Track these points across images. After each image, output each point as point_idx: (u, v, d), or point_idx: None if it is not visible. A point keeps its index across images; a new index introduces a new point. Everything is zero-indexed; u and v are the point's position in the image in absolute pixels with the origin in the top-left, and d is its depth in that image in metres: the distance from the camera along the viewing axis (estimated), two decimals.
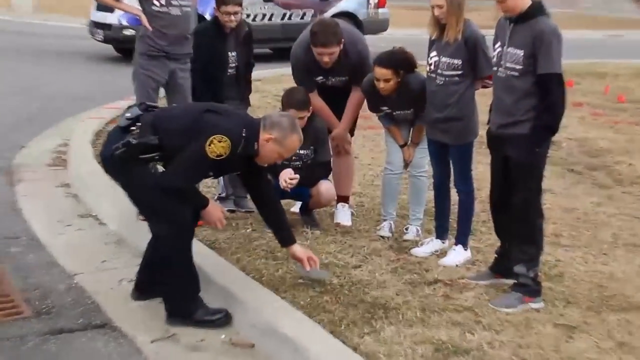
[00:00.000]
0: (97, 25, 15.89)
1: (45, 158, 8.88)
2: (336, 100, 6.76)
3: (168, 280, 5.08)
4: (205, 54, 6.86)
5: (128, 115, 5.02)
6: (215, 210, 5.16)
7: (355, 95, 6.75)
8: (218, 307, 5.11)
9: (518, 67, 5.16)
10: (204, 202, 5.12)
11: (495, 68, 5.38)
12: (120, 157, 4.92)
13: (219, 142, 4.80)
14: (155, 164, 5.02)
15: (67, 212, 7.19)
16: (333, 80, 6.73)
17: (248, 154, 5.00)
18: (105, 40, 15.79)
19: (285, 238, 5.40)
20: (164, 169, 5.03)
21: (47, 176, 8.24)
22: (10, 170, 8.41)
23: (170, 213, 4.95)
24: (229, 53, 6.88)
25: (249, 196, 6.65)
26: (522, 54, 5.13)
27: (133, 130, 4.94)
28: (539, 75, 5.11)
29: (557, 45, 5.10)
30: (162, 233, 5.01)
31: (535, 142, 5.19)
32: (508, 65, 5.22)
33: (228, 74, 6.89)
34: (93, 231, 6.75)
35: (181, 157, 4.87)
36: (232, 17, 6.75)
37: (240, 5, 6.82)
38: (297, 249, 5.40)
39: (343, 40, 6.49)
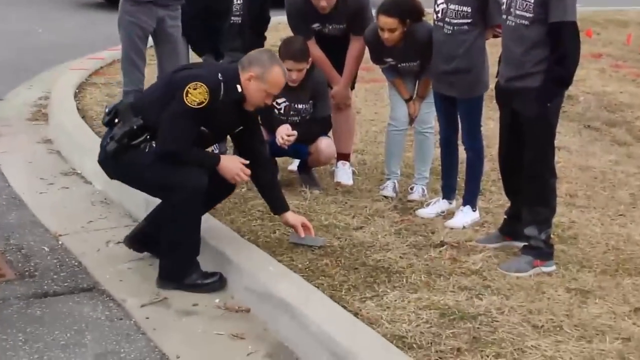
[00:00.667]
0: None
1: (25, 112, 8.93)
2: (335, 53, 6.79)
3: (170, 240, 5.15)
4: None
5: (107, 110, 5.18)
6: (231, 163, 5.20)
7: (355, 46, 6.79)
8: (212, 271, 5.21)
9: (528, 14, 5.15)
10: (213, 160, 5.18)
11: (504, 16, 5.35)
12: (113, 152, 5.03)
13: (195, 89, 4.90)
14: (147, 145, 5.08)
15: (49, 169, 7.25)
16: (330, 28, 6.76)
17: (233, 98, 5.06)
18: None
19: (278, 205, 5.48)
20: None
21: (27, 131, 8.31)
22: None
23: (178, 181, 5.00)
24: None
25: None
26: (532, 1, 5.11)
27: (116, 122, 5.09)
28: (551, 24, 5.10)
29: None
30: (176, 200, 5.05)
31: (547, 96, 5.21)
32: (518, 12, 5.20)
33: (231, 21, 6.87)
34: (78, 190, 6.82)
35: (164, 120, 4.98)
36: None
37: None
38: (291, 216, 5.47)
39: None
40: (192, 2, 6.96)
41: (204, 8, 6.85)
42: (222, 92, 4.98)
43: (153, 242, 5.34)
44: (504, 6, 5.33)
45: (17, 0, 16.31)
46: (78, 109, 8.52)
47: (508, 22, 5.30)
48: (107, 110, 5.20)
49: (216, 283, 5.16)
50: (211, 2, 6.84)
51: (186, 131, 5.02)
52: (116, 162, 5.11)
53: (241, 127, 5.34)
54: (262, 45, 7.20)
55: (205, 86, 4.91)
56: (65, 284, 5.16)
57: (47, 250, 5.64)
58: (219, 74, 5.04)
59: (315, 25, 6.73)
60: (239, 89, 5.06)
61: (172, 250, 5.14)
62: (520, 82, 5.28)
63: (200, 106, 4.91)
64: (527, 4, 5.15)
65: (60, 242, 5.78)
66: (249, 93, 5.09)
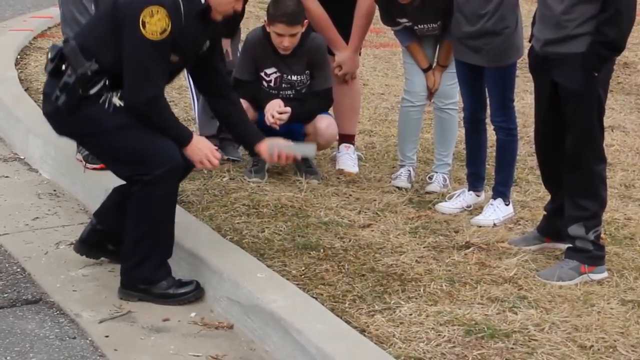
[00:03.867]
0: None
1: None
2: (338, 12, 6.80)
3: (136, 237, 5.17)
4: None
5: (50, 56, 5.12)
6: (203, 143, 5.24)
7: (364, 3, 6.82)
8: (186, 279, 5.23)
9: None
10: (185, 134, 5.19)
11: None
12: (66, 105, 5.01)
13: (152, 16, 4.90)
14: (108, 97, 5.06)
15: None
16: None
17: (197, 9, 5.07)
18: None
19: (251, 135, 5.51)
20: (120, 102, 5.09)
21: None
22: None
23: (152, 154, 5.04)
24: None
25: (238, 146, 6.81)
26: None
27: (64, 69, 5.05)
28: None
29: None
30: (147, 180, 5.07)
31: (594, 64, 5.20)
32: None
33: None
34: (21, 179, 6.85)
35: (127, 63, 4.97)
36: None
37: None
38: (264, 146, 5.46)
39: None
40: None
41: None
42: (182, 9, 4.99)
43: (111, 243, 5.36)
44: None
45: None
46: (20, 79, 8.54)
47: None
48: (50, 56, 5.12)
49: (191, 293, 5.18)
50: None
51: (156, 73, 5.02)
52: (71, 119, 5.09)
53: (208, 44, 5.35)
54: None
55: (162, 8, 4.90)
56: (5, 295, 5.17)
57: None
58: None
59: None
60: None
61: (137, 250, 5.16)
62: (561, 47, 5.26)
63: (164, 35, 4.92)
64: None
65: None
66: (215, 1, 5.11)
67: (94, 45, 5.05)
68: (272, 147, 5.41)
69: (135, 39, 4.92)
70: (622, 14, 5.13)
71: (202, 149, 5.18)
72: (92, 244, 5.46)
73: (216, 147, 6.86)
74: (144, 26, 4.89)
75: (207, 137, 6.86)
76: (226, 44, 6.66)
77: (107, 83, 5.04)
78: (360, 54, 7.16)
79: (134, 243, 5.16)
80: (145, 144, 5.05)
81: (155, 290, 5.16)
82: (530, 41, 5.57)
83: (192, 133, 5.24)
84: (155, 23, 4.89)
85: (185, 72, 6.99)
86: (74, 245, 5.53)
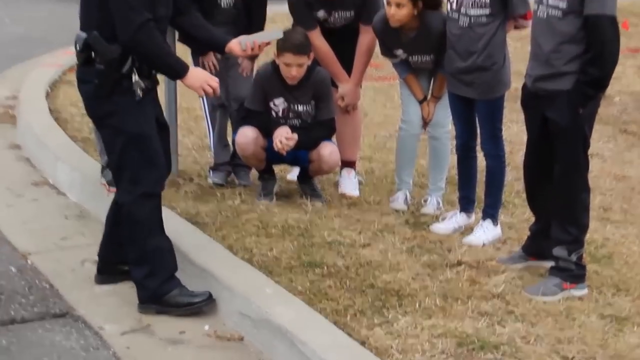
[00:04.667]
0: None
1: None
2: (341, 48, 6.79)
3: (136, 257, 5.20)
4: None
5: (79, 48, 5.08)
6: (199, 72, 5.27)
7: (365, 38, 6.80)
8: (199, 291, 5.23)
9: (562, 5, 5.14)
10: (181, 66, 5.19)
11: (535, 6, 5.35)
12: (102, 89, 5.04)
13: None
14: (137, 82, 5.07)
15: (18, 179, 7.27)
16: (336, 16, 6.75)
17: None
18: None
19: (220, 38, 5.54)
20: (143, 85, 5.11)
21: None
22: None
23: (143, 167, 5.11)
24: None
25: (250, 169, 6.82)
26: None
27: (93, 57, 5.03)
28: (587, 17, 5.07)
29: None
30: (128, 196, 5.15)
31: (580, 101, 5.18)
32: (550, 2, 5.18)
33: (222, 6, 6.79)
34: (50, 202, 6.83)
35: (112, 6, 4.93)
36: None
37: None
38: (235, 43, 5.48)
39: None
40: None
41: None
42: None
43: (125, 264, 5.37)
44: None
45: None
46: (50, 110, 8.53)
47: (539, 12, 5.29)
48: (78, 48, 5.08)
49: (204, 302, 5.18)
50: None
51: (138, 3, 4.95)
52: (100, 100, 5.11)
53: None
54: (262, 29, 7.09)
55: None
56: (35, 309, 5.17)
57: (15, 271, 5.65)
58: None
59: (320, 13, 6.74)
60: None
61: (142, 268, 5.19)
62: (550, 84, 5.27)
63: None
64: None
65: (29, 262, 5.79)
66: None
67: (104, 23, 4.99)
68: (243, 43, 5.46)
69: None
70: (605, 55, 5.11)
71: (199, 77, 5.23)
72: (107, 274, 5.46)
73: (229, 171, 6.91)
74: None
75: (221, 164, 6.93)
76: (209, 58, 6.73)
77: (135, 64, 5.04)
78: (361, 87, 7.14)
79: (137, 262, 5.21)
80: (149, 161, 5.13)
81: (170, 300, 5.17)
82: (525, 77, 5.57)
83: (187, 65, 5.23)
84: None
85: (201, 102, 7.02)
86: (94, 277, 5.52)
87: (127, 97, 5.08)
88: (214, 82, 5.24)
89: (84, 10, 5.17)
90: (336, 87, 6.85)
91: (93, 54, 5.02)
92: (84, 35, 5.04)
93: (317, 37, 6.71)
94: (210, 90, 5.25)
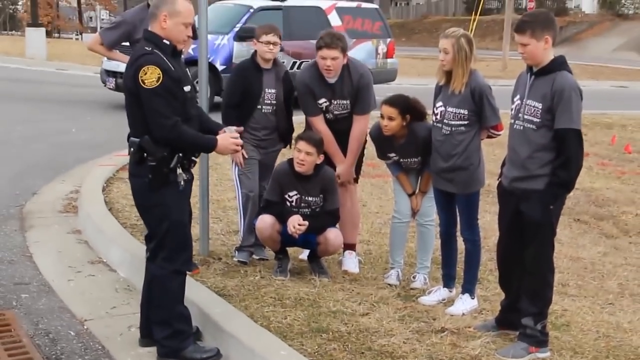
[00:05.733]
0: (108, 73, 16.07)
1: (57, 204, 8.92)
2: (339, 137, 6.76)
3: (161, 320, 5.16)
4: (239, 86, 6.84)
5: (134, 149, 5.06)
6: (225, 140, 5.20)
7: (357, 126, 6.76)
8: (210, 347, 5.20)
9: (536, 120, 5.14)
10: (211, 142, 5.17)
11: (512, 120, 5.34)
12: (154, 182, 5.01)
13: (145, 73, 4.87)
14: (180, 174, 5.06)
15: (77, 258, 7.21)
16: (335, 103, 6.69)
17: (169, 50, 5.03)
18: (117, 89, 15.92)
19: (214, 127, 5.42)
20: (185, 177, 5.10)
21: (58, 222, 8.28)
22: (22, 216, 8.46)
23: (178, 249, 5.12)
24: (266, 89, 6.84)
25: (265, 248, 6.76)
26: (540, 108, 5.11)
27: (146, 156, 5.01)
28: (557, 130, 5.07)
29: (577, 101, 5.06)
30: (162, 271, 5.13)
31: (550, 199, 5.16)
32: (526, 117, 5.18)
33: (263, 111, 6.88)
34: (103, 277, 6.76)
35: (146, 114, 4.93)
36: (272, 47, 6.76)
37: (280, 37, 6.84)
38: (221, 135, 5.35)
39: (347, 57, 6.59)
40: (230, 91, 6.95)
41: (241, 93, 6.83)
42: (160, 54, 4.96)
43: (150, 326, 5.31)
44: (513, 111, 5.33)
45: (55, 104, 16.53)
46: (105, 201, 8.53)
47: (515, 125, 5.29)
48: (134, 149, 5.05)
49: (213, 357, 5.13)
50: (246, 87, 6.82)
51: (166, 109, 4.92)
52: (150, 193, 5.06)
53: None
54: (292, 129, 7.12)
55: (147, 64, 4.89)
56: None
57: (73, 334, 5.58)
58: (145, 47, 5.01)
59: (322, 101, 6.69)
60: (166, 42, 5.04)
61: (165, 329, 5.14)
62: (525, 184, 5.23)
63: (160, 81, 4.87)
64: (535, 110, 5.13)
65: (85, 327, 5.71)
66: (171, 34, 5.05)
67: (144, 127, 5.00)
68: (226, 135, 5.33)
69: (144, 95, 4.91)
70: (573, 161, 5.09)
71: (227, 145, 5.20)
72: (148, 337, 5.35)
73: (251, 251, 6.85)
74: (144, 83, 4.88)
75: (246, 246, 6.87)
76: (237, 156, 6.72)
77: (180, 156, 5.04)
78: (358, 181, 7.09)
79: (161, 324, 5.15)
80: (183, 244, 5.18)
81: (186, 355, 5.11)
82: (499, 178, 5.54)
83: (215, 138, 5.20)
84: (149, 76, 4.87)
85: (237, 193, 6.96)
86: (138, 340, 5.43)
87: (171, 188, 5.05)
88: (239, 141, 5.26)
89: (131, 121, 5.17)
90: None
91: (145, 154, 5.00)
92: (136, 140, 5.03)
93: (320, 122, 6.71)
94: (239, 150, 5.34)
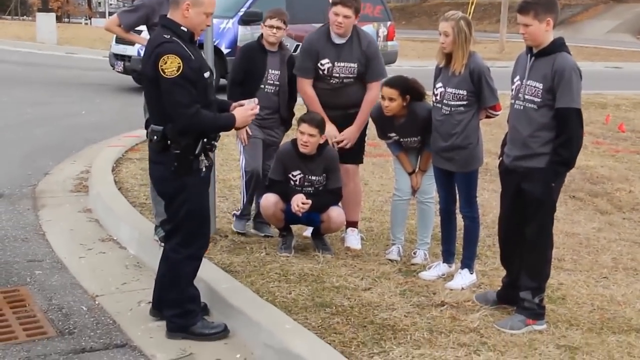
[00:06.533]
0: (117, 57, 16.03)
1: (68, 184, 8.93)
2: (345, 119, 6.71)
3: (173, 299, 5.17)
4: (244, 65, 6.85)
5: (157, 138, 4.99)
6: (242, 113, 5.15)
7: (371, 92, 6.67)
8: (218, 322, 5.21)
9: (537, 99, 5.12)
10: (230, 119, 5.11)
11: (512, 100, 5.32)
12: (180, 170, 4.96)
13: (165, 62, 4.80)
14: (202, 160, 5.02)
15: (88, 236, 7.22)
16: (339, 65, 6.60)
17: (187, 37, 4.97)
18: (125, 72, 15.90)
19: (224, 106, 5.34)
20: (207, 163, 5.06)
21: (70, 201, 8.29)
22: (35, 195, 8.47)
23: (196, 234, 5.11)
24: (270, 70, 6.84)
25: (269, 226, 6.78)
26: (541, 88, 5.09)
27: (169, 144, 4.96)
28: (558, 109, 5.05)
29: (577, 81, 5.05)
30: (177, 255, 5.12)
31: (552, 177, 5.15)
32: (527, 97, 5.17)
33: (266, 90, 6.85)
34: (113, 254, 6.78)
35: (166, 103, 4.87)
36: (275, 31, 6.75)
37: (284, 23, 6.81)
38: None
39: (358, 23, 6.57)
40: (235, 69, 6.95)
41: (245, 71, 6.82)
42: (179, 42, 4.90)
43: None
44: (513, 92, 5.31)
45: (65, 87, 16.49)
46: (115, 181, 8.54)
47: (516, 105, 5.27)
48: (157, 138, 4.97)
49: (221, 332, 5.14)
50: (250, 66, 6.81)
51: (186, 99, 4.85)
52: (171, 181, 5.02)
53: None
54: (293, 114, 7.14)
55: (167, 53, 4.81)
56: (101, 341, 5.11)
57: (85, 309, 5.59)
58: (163, 35, 4.93)
59: (325, 62, 6.59)
60: (184, 29, 4.97)
61: (175, 307, 5.15)
62: (526, 162, 5.22)
63: (180, 70, 4.80)
64: (536, 90, 5.12)
65: (97, 302, 5.72)
66: (192, 23, 4.99)
67: (166, 114, 4.93)
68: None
69: (164, 86, 4.84)
70: (573, 140, 5.08)
71: (245, 117, 5.15)
72: (159, 310, 5.38)
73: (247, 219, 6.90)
74: (164, 72, 4.80)
75: (244, 215, 7.00)
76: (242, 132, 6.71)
77: (205, 141, 4.99)
78: (362, 162, 7.08)
79: (172, 303, 5.17)
80: (201, 229, 5.15)
81: (194, 331, 5.12)
82: (499, 157, 5.53)
83: (233, 114, 5.14)
84: (169, 65, 4.79)
85: (242, 171, 6.96)
86: (149, 310, 5.47)
87: (194, 175, 5.02)
88: (254, 110, 5.18)
89: (152, 108, 5.10)
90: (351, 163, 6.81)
91: (169, 142, 4.95)
92: (159, 128, 4.97)
93: (306, 85, 6.66)
94: (257, 111, 5.22)
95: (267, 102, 6.71)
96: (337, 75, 6.63)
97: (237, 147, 7.09)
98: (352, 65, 6.61)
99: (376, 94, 6.67)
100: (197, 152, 4.97)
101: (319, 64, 6.62)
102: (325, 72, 6.63)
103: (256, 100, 5.28)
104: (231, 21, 16.25)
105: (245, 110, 5.17)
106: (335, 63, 6.61)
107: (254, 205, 7.09)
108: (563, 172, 5.24)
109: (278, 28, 6.77)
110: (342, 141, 6.62)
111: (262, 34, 6.89)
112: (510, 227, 5.48)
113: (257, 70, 6.81)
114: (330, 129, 6.59)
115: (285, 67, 6.88)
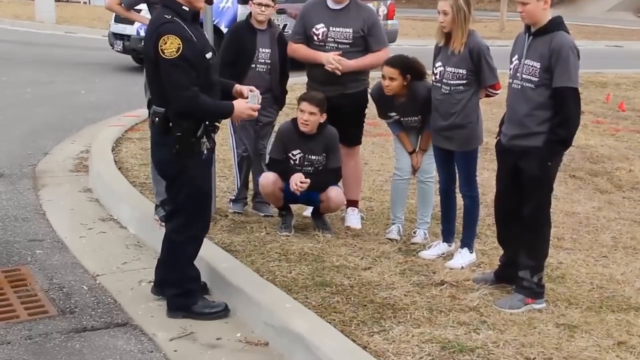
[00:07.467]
0: (116, 36, 15.97)
1: (68, 164, 8.93)
2: (345, 112, 6.70)
3: (174, 280, 5.19)
4: (234, 45, 6.81)
5: (158, 120, 4.98)
6: (241, 105, 5.13)
7: (378, 53, 6.60)
8: (219, 302, 5.23)
9: (534, 79, 5.12)
10: (228, 107, 5.09)
11: (510, 80, 5.32)
12: (182, 151, 4.94)
13: (165, 43, 4.77)
14: (204, 142, 5.00)
15: (88, 215, 7.23)
16: (334, 30, 6.56)
17: (189, 17, 4.92)
18: (124, 51, 15.84)
19: (227, 84, 5.37)
20: (208, 145, 5.05)
21: (70, 181, 8.30)
22: (35, 175, 8.47)
23: (197, 216, 5.13)
24: (260, 49, 6.81)
25: (269, 205, 6.79)
26: (538, 67, 5.08)
27: (171, 126, 4.94)
28: (555, 89, 5.05)
29: (575, 60, 5.04)
30: (179, 236, 5.14)
31: (548, 156, 5.15)
32: (524, 76, 5.16)
33: (257, 69, 6.83)
34: (114, 234, 6.79)
35: (165, 84, 4.84)
36: (263, 9, 6.72)
37: (273, 0, 6.77)
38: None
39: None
40: (225, 49, 6.88)
41: (235, 51, 6.79)
42: (180, 22, 4.86)
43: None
44: (511, 71, 5.30)
45: (64, 66, 16.45)
46: (115, 161, 8.54)
47: (514, 85, 5.27)
48: (157, 120, 4.96)
49: (222, 312, 5.16)
50: (240, 46, 6.78)
51: (185, 81, 4.82)
52: (173, 163, 5.01)
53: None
54: (286, 92, 7.11)
55: (168, 34, 4.78)
56: (102, 320, 5.13)
57: (86, 289, 5.61)
58: (164, 15, 4.89)
59: (320, 26, 6.56)
60: (185, 8, 4.93)
61: (176, 287, 5.17)
62: (524, 141, 5.21)
63: (180, 52, 4.76)
64: (533, 69, 5.11)
65: (97, 282, 5.74)
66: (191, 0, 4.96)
67: (165, 95, 4.91)
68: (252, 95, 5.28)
69: (163, 66, 4.81)
70: (571, 119, 5.08)
71: (242, 110, 5.12)
72: (160, 288, 5.40)
73: (245, 202, 6.92)
74: (163, 53, 4.77)
75: (240, 198, 7.04)
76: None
77: (207, 124, 4.99)
78: (361, 142, 7.07)
79: (173, 283, 5.18)
80: (202, 211, 5.15)
81: (195, 310, 5.15)
82: (497, 136, 5.52)
83: (231, 103, 5.13)
84: (169, 45, 4.76)
85: (232, 153, 6.99)
86: (151, 288, 5.49)
87: (196, 157, 5.02)
88: (255, 106, 5.17)
89: (153, 89, 5.08)
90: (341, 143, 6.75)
91: (171, 124, 4.94)
92: (161, 110, 4.95)
93: (301, 46, 6.65)
94: (255, 114, 5.22)
95: (259, 81, 6.63)
96: (332, 39, 6.58)
97: (228, 128, 7.07)
98: (348, 30, 6.56)
99: (382, 56, 6.53)
100: (198, 134, 4.97)
101: (313, 29, 6.59)
102: (320, 36, 6.58)
103: (259, 99, 5.27)
104: (231, 0, 16.20)
105: (245, 107, 5.15)
106: (330, 28, 6.57)
107: (251, 185, 7.11)
108: (560, 151, 5.24)
109: (267, 5, 6.73)
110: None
111: (250, 13, 6.86)
112: (507, 206, 5.48)
113: (247, 49, 6.77)
114: (328, 55, 6.50)
115: (275, 44, 6.84)
